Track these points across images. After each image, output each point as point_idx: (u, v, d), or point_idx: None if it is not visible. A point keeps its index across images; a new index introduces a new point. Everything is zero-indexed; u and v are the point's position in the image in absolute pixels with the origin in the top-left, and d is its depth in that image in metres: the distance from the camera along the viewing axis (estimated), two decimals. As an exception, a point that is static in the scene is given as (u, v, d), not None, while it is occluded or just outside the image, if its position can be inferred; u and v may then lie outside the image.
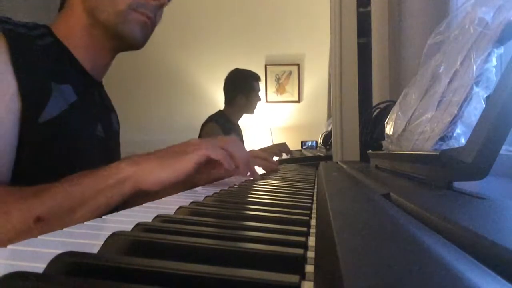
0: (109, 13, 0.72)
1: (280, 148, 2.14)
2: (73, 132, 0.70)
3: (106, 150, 0.80)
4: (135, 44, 0.77)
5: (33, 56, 0.66)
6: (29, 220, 0.47)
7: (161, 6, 0.78)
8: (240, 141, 0.66)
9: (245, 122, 2.70)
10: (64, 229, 0.28)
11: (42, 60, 0.67)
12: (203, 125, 2.23)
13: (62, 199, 0.49)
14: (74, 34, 0.74)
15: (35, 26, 0.71)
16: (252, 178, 0.71)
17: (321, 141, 2.15)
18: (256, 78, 2.35)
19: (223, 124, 2.21)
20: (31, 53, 0.66)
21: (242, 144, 0.66)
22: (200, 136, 2.22)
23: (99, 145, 0.77)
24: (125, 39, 0.76)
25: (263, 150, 1.85)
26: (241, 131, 2.42)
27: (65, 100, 0.69)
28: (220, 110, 2.32)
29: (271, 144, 3.43)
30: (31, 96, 0.63)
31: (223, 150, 0.59)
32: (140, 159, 0.54)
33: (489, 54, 0.36)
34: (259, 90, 2.36)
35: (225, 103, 2.33)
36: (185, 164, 0.53)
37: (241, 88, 2.28)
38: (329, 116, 2.44)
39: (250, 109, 2.33)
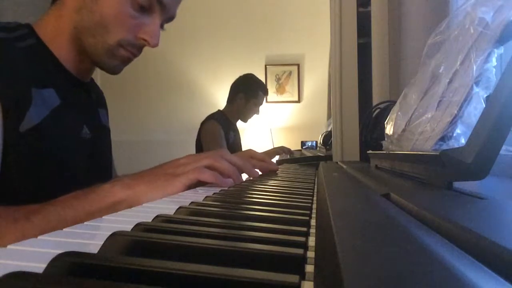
0: (97, 41, 0.71)
1: (280, 149, 2.15)
2: (56, 138, 0.69)
3: (94, 150, 0.80)
4: (110, 73, 0.77)
5: (12, 61, 0.65)
6: None
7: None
8: (226, 150, 0.67)
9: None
10: (64, 229, 0.28)
11: (22, 64, 0.66)
12: (203, 124, 2.24)
13: (54, 222, 0.49)
14: (60, 37, 0.72)
15: (16, 27, 0.70)
16: (251, 178, 0.71)
17: (321, 141, 2.15)
18: (264, 90, 2.36)
19: (223, 122, 2.22)
20: (10, 59, 0.64)
21: (229, 153, 0.66)
22: (199, 134, 2.23)
23: (85, 147, 0.77)
24: (103, 68, 0.76)
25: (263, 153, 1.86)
26: (238, 132, 2.43)
27: (46, 106, 0.67)
28: (219, 110, 2.33)
29: (271, 144, 3.44)
30: (11, 105, 0.62)
31: (212, 166, 0.59)
32: (132, 182, 0.54)
33: (489, 54, 0.36)
34: (261, 103, 2.36)
35: (227, 101, 2.35)
36: (175, 187, 0.54)
37: (245, 89, 2.29)
38: (329, 116, 2.44)
39: (245, 115, 2.33)
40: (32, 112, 0.64)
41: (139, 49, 0.76)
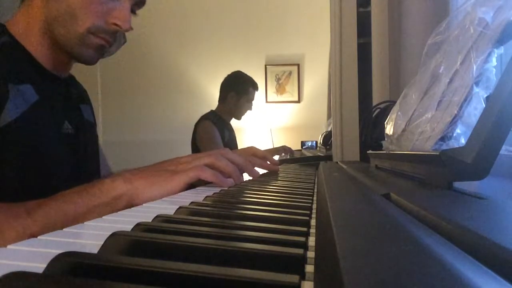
0: (67, 31, 0.70)
1: (282, 149, 2.15)
2: (36, 132, 0.69)
3: (77, 145, 0.79)
4: (87, 64, 0.76)
5: None
6: (23, 238, 0.47)
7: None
8: (227, 149, 0.67)
9: (245, 122, 2.70)
10: (64, 229, 0.28)
11: None
12: (197, 125, 2.24)
13: (55, 217, 0.49)
14: (32, 32, 0.72)
15: None
16: (251, 178, 0.71)
17: (321, 141, 2.15)
18: (254, 85, 2.36)
19: (217, 122, 2.22)
20: None
21: (230, 152, 0.66)
22: (194, 135, 2.22)
23: (67, 142, 0.76)
24: (78, 59, 0.75)
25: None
26: (233, 131, 2.43)
27: (24, 101, 0.67)
28: (212, 110, 2.34)
29: (271, 144, 3.44)
30: None
31: (213, 165, 0.60)
32: (133, 177, 0.54)
33: (489, 54, 0.36)
34: (253, 98, 2.36)
35: (218, 100, 2.36)
36: (175, 184, 0.54)
37: (236, 87, 2.30)
38: (329, 116, 2.44)
39: (237, 113, 2.34)
40: (10, 107, 0.64)
41: (112, 35, 0.74)
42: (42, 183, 0.66)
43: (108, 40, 0.74)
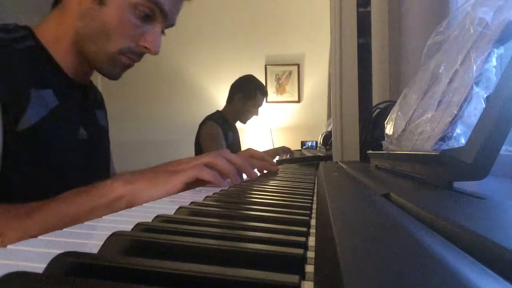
0: (98, 48, 0.71)
1: (281, 149, 2.15)
2: (53, 138, 0.69)
3: (90, 151, 0.80)
4: (110, 79, 0.78)
5: (10, 61, 0.64)
6: (24, 240, 0.47)
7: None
8: (227, 150, 0.68)
9: (245, 122, 2.70)
10: (64, 229, 0.28)
11: (20, 65, 0.66)
12: (202, 125, 2.23)
13: (56, 218, 0.49)
14: (61, 41, 0.72)
15: (15, 28, 0.70)
16: (249, 178, 0.71)
17: (321, 141, 2.15)
18: (263, 91, 2.35)
19: (222, 123, 2.22)
20: (8, 59, 0.64)
21: (230, 152, 0.66)
22: (198, 135, 2.22)
23: (82, 148, 0.77)
24: (103, 74, 0.76)
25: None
26: (238, 133, 2.42)
27: (45, 105, 0.67)
28: (218, 110, 2.33)
29: (271, 144, 3.44)
30: (9, 104, 0.62)
31: (211, 164, 0.60)
32: (133, 178, 0.54)
33: (489, 54, 0.36)
34: (260, 104, 2.35)
35: (226, 102, 2.35)
36: (175, 184, 0.55)
37: (244, 89, 2.29)
38: (329, 116, 2.44)
39: (243, 116, 2.32)
40: (31, 112, 0.64)
41: (140, 56, 0.76)
42: (52, 188, 0.67)
43: (135, 60, 0.76)
